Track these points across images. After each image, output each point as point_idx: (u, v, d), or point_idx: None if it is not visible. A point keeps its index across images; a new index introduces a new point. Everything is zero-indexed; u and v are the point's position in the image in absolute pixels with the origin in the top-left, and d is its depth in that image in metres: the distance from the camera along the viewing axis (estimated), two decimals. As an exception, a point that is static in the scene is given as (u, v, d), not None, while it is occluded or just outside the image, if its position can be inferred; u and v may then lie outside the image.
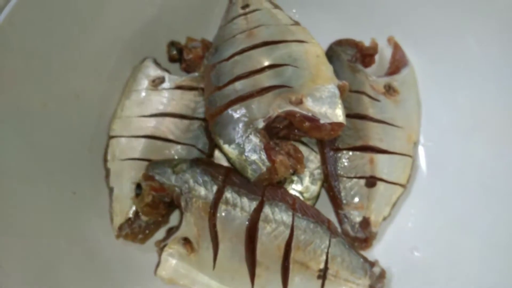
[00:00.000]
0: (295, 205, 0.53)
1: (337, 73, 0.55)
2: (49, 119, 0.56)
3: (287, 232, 0.51)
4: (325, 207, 0.59)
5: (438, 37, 0.62)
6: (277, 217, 0.51)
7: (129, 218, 0.57)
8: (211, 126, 0.54)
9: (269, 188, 0.54)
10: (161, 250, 0.53)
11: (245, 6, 0.64)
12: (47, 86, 0.56)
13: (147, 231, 0.58)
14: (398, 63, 0.65)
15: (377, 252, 0.58)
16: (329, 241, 0.52)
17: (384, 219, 0.59)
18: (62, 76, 0.58)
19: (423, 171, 0.62)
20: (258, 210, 0.51)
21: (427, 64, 0.64)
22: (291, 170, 0.52)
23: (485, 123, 0.58)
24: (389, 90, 0.62)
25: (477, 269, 0.52)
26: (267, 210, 0.51)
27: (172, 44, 0.67)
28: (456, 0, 0.60)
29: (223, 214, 0.51)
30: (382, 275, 0.53)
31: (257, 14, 0.61)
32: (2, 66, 0.52)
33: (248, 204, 0.51)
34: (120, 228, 0.57)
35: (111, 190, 0.58)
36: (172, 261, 0.52)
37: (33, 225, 0.52)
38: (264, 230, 0.51)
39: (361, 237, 0.57)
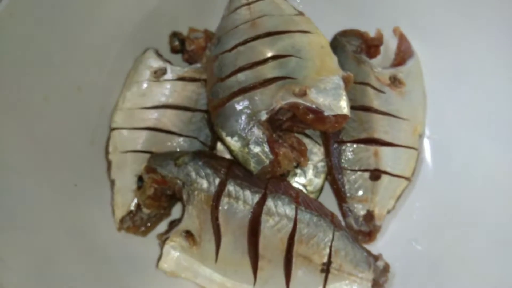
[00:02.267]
0: (298, 198, 0.53)
1: (341, 64, 0.54)
2: (51, 112, 0.56)
3: (290, 225, 0.50)
4: (328, 200, 0.59)
5: (445, 28, 0.61)
6: (280, 210, 0.51)
7: (131, 211, 0.57)
8: (214, 118, 0.54)
9: (272, 181, 0.53)
10: (163, 243, 0.53)
11: (249, -5, 0.63)
12: (49, 78, 0.56)
13: (148, 224, 0.58)
14: (403, 54, 0.64)
15: (381, 245, 0.58)
16: (333, 234, 0.51)
17: (388, 212, 0.58)
18: (64, 68, 0.57)
19: (428, 164, 0.61)
20: (261, 203, 0.51)
21: (433, 55, 0.63)
22: (294, 163, 0.51)
23: (492, 116, 0.57)
24: (395, 81, 0.61)
25: (482, 264, 0.52)
26: (270, 203, 0.51)
27: (174, 35, 0.66)
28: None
29: (226, 207, 0.50)
30: (386, 269, 0.52)
31: (261, 4, 0.60)
32: (2, 58, 0.51)
33: (250, 197, 0.51)
34: (122, 220, 0.57)
35: (112, 182, 0.58)
36: (174, 254, 0.52)
37: (34, 218, 0.52)
38: (267, 223, 0.50)
39: (365, 231, 0.57)
